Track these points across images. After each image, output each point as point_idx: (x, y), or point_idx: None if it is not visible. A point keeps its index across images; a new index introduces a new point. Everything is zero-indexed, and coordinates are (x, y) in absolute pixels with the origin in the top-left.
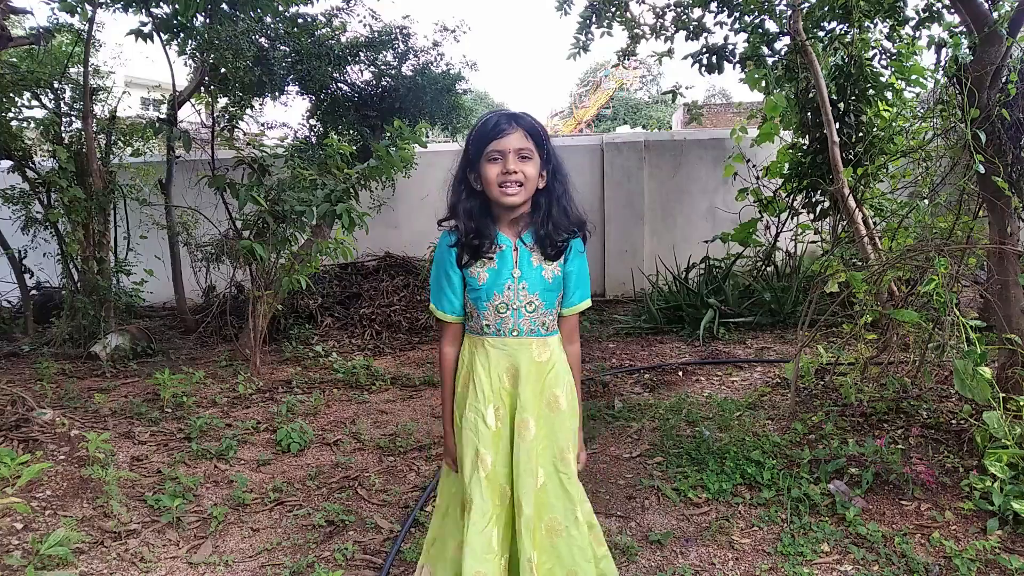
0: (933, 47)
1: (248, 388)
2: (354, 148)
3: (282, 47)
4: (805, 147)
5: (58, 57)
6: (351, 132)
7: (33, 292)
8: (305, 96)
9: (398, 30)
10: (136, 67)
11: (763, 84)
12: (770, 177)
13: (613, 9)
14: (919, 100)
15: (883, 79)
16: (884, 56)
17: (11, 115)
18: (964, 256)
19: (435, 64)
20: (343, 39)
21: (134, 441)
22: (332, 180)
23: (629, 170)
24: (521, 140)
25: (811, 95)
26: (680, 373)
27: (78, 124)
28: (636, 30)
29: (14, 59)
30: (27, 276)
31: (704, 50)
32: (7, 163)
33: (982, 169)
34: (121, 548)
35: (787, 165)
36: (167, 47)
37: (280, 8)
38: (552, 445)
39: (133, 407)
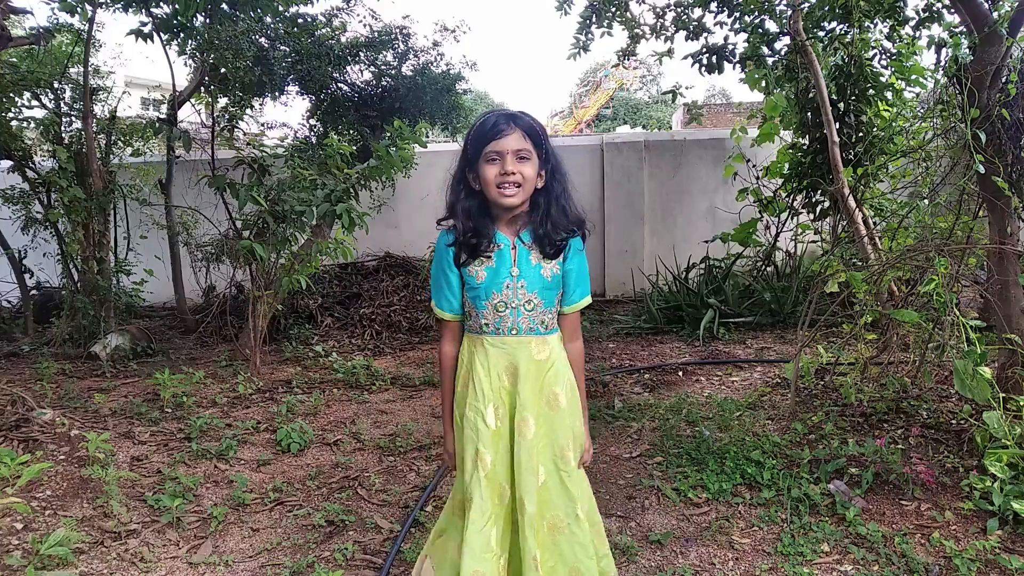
0: (933, 47)
1: (248, 388)
2: (354, 148)
3: (282, 47)
4: (805, 147)
5: (58, 57)
6: (351, 132)
7: (33, 292)
8: (305, 96)
9: (398, 30)
10: (136, 67)
11: (763, 84)
12: (770, 177)
13: (613, 9)
14: (919, 100)
15: (883, 79)
16: (884, 56)
17: (11, 115)
18: (964, 256)
19: (435, 64)
20: (343, 39)
21: (134, 441)
22: (332, 180)
23: (629, 170)
24: (519, 141)
25: (811, 95)
26: (680, 373)
27: (78, 124)
28: (636, 30)
29: (14, 59)
30: (27, 276)
31: (704, 50)
32: (7, 163)
33: (982, 169)
34: (121, 548)
35: (787, 165)
36: (167, 47)
37: (280, 8)
38: (552, 443)
39: (133, 407)
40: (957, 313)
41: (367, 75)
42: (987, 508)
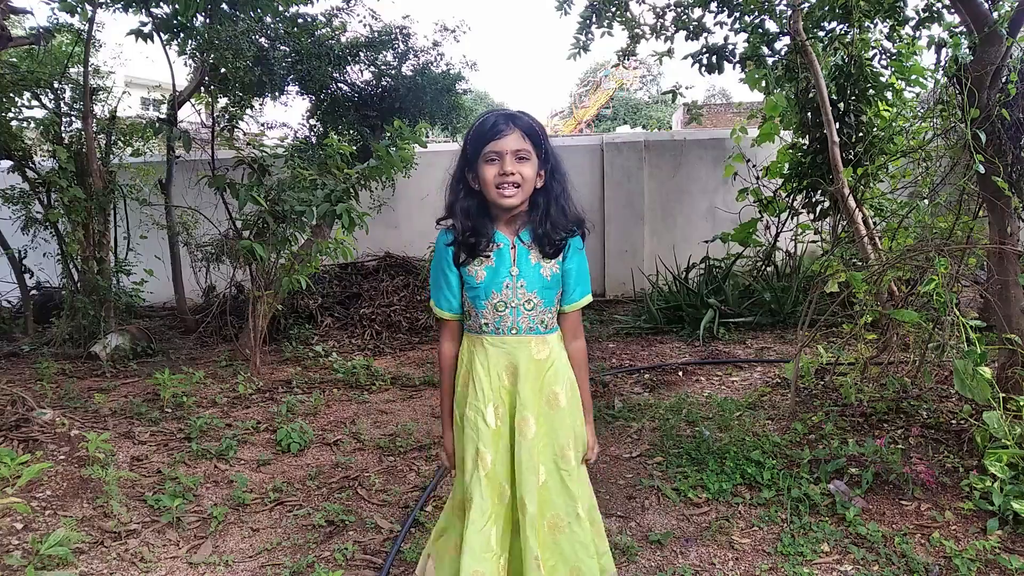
0: (933, 47)
1: (248, 388)
2: (354, 148)
3: (282, 47)
4: (805, 147)
5: (58, 57)
6: (351, 132)
7: (33, 292)
8: (305, 96)
9: (398, 30)
10: (136, 67)
11: (763, 84)
12: (770, 177)
13: (613, 9)
14: (919, 100)
15: (883, 79)
16: (884, 56)
17: (11, 115)
18: (964, 256)
19: (435, 64)
20: (343, 39)
21: (134, 441)
22: (332, 180)
23: (629, 170)
24: (518, 141)
25: (811, 95)
26: (680, 373)
27: (78, 124)
28: (636, 30)
29: (14, 59)
30: (27, 276)
31: (704, 50)
32: (7, 163)
33: (982, 169)
34: (121, 548)
35: (787, 165)
36: (167, 47)
37: (280, 8)
38: (553, 443)
39: (133, 407)
40: (957, 313)
41: (367, 75)
42: (987, 508)
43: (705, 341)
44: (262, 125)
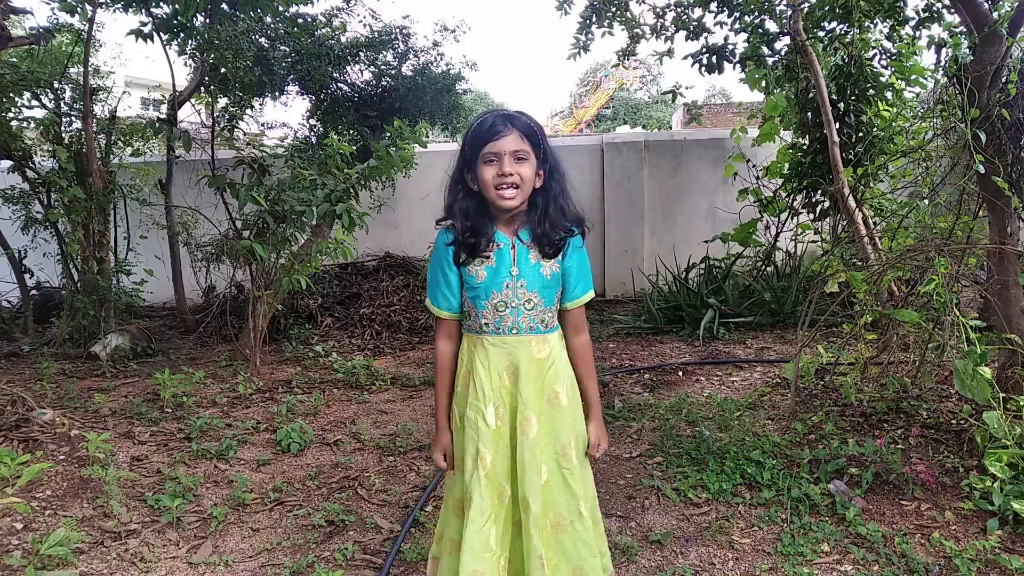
0: (933, 47)
1: (248, 388)
2: (354, 148)
3: (282, 47)
4: (805, 147)
5: (58, 57)
6: (351, 132)
7: (33, 292)
8: (305, 96)
9: (398, 30)
10: (136, 67)
11: (763, 84)
12: (770, 177)
13: (613, 9)
14: (919, 100)
15: (883, 79)
16: (884, 56)
17: (11, 115)
18: (964, 256)
19: (435, 64)
20: (343, 39)
21: (134, 441)
22: (332, 180)
23: (629, 170)
24: (517, 142)
25: (811, 95)
26: (680, 373)
27: (78, 124)
28: (636, 30)
29: (14, 59)
30: (27, 276)
31: (704, 50)
32: (7, 163)
33: (982, 169)
34: (121, 548)
35: (787, 165)
36: (167, 47)
37: (280, 8)
38: (554, 442)
39: (133, 407)
40: (957, 313)
41: (367, 75)
42: (987, 508)
43: (705, 341)
44: (262, 125)
